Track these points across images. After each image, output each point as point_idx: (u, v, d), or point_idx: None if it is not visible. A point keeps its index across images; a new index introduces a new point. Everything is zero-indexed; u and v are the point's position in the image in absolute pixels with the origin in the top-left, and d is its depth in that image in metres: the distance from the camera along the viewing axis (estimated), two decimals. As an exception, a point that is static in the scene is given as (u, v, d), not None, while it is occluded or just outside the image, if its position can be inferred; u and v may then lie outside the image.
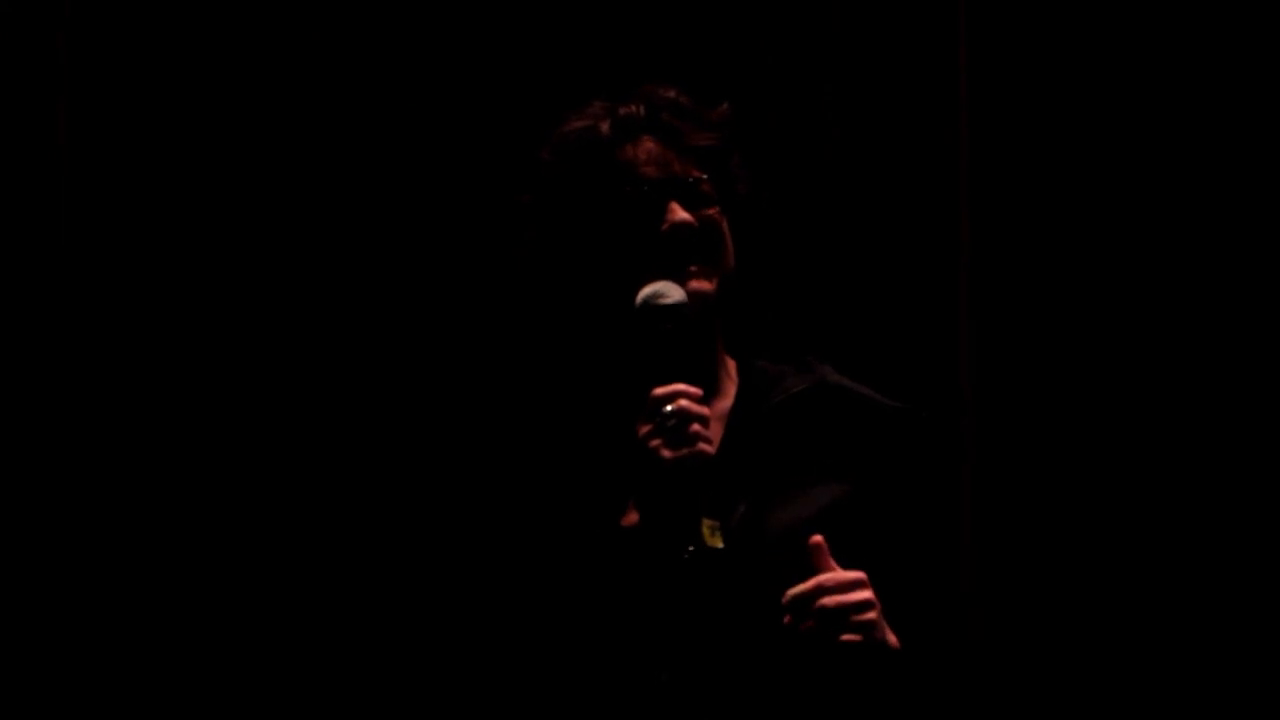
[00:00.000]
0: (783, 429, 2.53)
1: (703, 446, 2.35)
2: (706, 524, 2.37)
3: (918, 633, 2.41)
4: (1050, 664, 3.43)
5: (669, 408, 2.34)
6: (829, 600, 2.30)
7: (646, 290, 2.43)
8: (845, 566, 2.35)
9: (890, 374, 3.28)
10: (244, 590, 3.40)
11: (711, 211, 2.53)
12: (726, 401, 2.57)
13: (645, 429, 2.35)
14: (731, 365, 2.62)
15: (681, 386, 2.35)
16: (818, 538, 2.35)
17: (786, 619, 2.30)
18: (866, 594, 2.32)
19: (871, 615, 2.32)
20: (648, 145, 2.53)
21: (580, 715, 2.40)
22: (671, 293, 2.43)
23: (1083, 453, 3.48)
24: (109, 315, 3.46)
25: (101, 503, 3.42)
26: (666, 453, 2.33)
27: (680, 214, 2.49)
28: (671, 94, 2.57)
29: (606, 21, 3.52)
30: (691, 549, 2.35)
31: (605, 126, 2.54)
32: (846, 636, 2.29)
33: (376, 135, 3.51)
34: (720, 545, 2.37)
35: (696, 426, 2.35)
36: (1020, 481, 3.48)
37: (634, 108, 2.55)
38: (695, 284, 2.48)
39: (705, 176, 2.53)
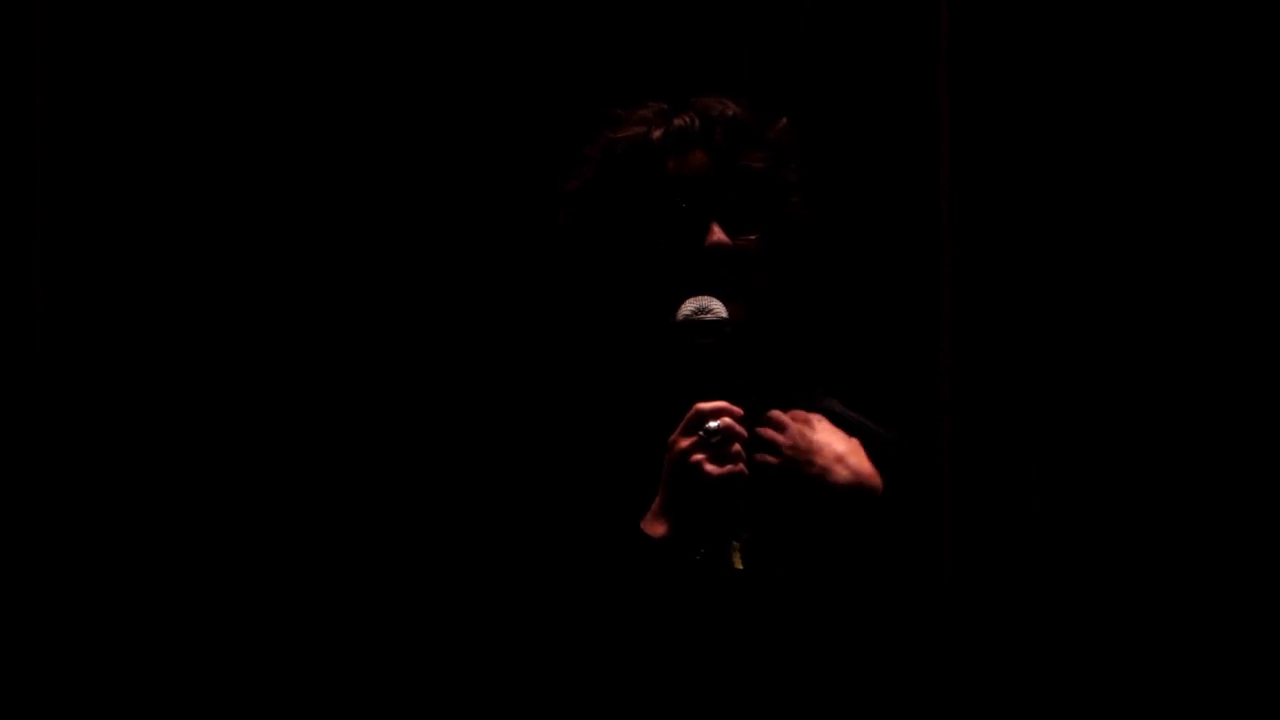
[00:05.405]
0: None
1: (741, 467, 2.35)
2: (731, 544, 2.39)
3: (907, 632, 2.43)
4: (1033, 669, 3.46)
5: (713, 424, 2.33)
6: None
7: (689, 305, 2.41)
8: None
9: (875, 382, 3.34)
10: (257, 592, 3.41)
11: (752, 236, 2.48)
12: None
13: (686, 443, 2.34)
14: None
15: (726, 405, 2.35)
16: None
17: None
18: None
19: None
20: (697, 160, 2.47)
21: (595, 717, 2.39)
22: (714, 308, 2.41)
23: (1070, 455, 3.50)
24: (97, 315, 3.45)
25: (86, 504, 3.41)
26: (711, 468, 2.33)
27: (718, 235, 2.45)
28: (730, 110, 2.50)
29: (606, 22, 3.52)
30: (703, 551, 2.36)
31: (657, 135, 2.48)
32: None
33: (373, 135, 3.49)
34: (740, 566, 2.39)
35: (738, 446, 2.34)
36: (1002, 486, 3.51)
37: (688, 119, 2.49)
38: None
39: (751, 199, 2.48)
